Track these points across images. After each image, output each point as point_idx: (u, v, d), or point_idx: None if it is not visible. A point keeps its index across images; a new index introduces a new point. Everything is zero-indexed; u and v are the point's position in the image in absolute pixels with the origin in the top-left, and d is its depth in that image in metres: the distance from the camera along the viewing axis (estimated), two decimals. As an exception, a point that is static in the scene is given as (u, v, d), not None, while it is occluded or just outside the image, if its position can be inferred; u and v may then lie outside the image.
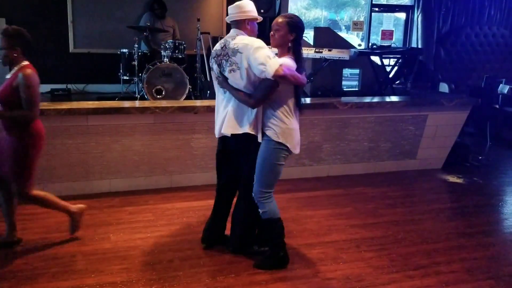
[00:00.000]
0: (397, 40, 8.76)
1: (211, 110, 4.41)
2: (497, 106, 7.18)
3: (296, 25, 2.95)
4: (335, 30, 8.72)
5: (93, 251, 3.28)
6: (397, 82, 7.61)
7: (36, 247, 3.32)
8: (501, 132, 7.24)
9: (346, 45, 7.05)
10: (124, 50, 6.71)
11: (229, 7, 3.11)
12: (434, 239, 3.69)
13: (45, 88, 7.10)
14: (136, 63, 6.52)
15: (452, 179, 5.27)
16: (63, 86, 7.17)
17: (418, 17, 8.51)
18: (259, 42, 2.90)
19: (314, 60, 6.88)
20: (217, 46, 3.10)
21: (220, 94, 3.14)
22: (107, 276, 2.97)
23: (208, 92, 6.47)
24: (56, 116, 4.06)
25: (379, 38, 8.60)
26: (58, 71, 7.25)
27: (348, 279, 3.03)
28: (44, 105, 4.17)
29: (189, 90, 6.38)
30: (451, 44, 8.41)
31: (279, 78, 2.79)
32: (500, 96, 7.15)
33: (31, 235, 3.48)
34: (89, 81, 7.43)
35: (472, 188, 5.00)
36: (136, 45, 6.58)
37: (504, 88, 7.11)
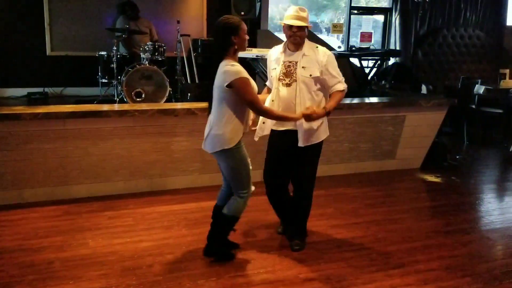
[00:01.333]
0: (376, 42, 8.86)
1: (191, 112, 4.41)
2: (474, 106, 7.31)
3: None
4: (316, 32, 8.79)
5: (71, 257, 3.23)
6: (376, 83, 7.68)
7: (12, 254, 3.24)
8: (477, 132, 7.38)
9: (326, 47, 7.09)
10: (103, 53, 6.63)
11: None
12: (414, 238, 3.73)
13: (22, 91, 7.00)
14: (114, 65, 6.45)
15: (431, 178, 5.34)
16: (40, 89, 7.06)
17: (396, 19, 8.63)
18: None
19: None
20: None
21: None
22: (86, 282, 2.92)
23: (189, 94, 6.44)
24: (33, 120, 3.99)
25: (358, 40, 8.69)
26: (35, 74, 7.13)
27: (329, 279, 3.04)
28: (20, 109, 4.11)
29: (169, 92, 6.33)
30: (429, 46, 8.56)
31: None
32: (476, 96, 7.29)
33: (7, 242, 3.41)
34: (67, 85, 7.33)
35: (450, 187, 5.08)
36: (115, 48, 6.51)
37: (480, 89, 7.25)
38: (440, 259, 3.38)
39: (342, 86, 3.20)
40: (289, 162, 3.34)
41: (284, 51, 3.26)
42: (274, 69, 3.26)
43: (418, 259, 3.36)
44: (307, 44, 3.22)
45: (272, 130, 3.35)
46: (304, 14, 3.14)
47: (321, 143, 3.34)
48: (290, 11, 3.17)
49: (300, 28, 3.11)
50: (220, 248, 3.26)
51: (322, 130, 3.30)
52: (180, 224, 3.82)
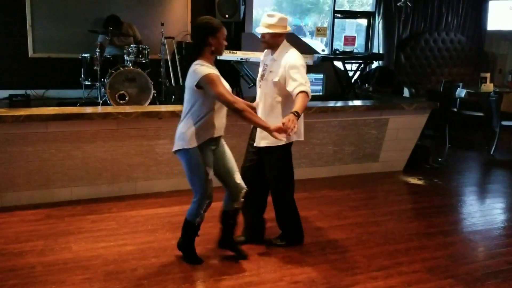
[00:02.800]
0: (359, 45, 8.93)
1: (175, 115, 4.39)
2: (455, 110, 7.42)
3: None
4: (300, 36, 8.82)
5: (53, 261, 3.18)
6: (359, 86, 7.76)
7: (-7, 259, 3.19)
8: (459, 135, 7.49)
9: (310, 50, 7.14)
10: (86, 55, 6.56)
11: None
12: (397, 240, 3.77)
13: (3, 94, 6.88)
14: (98, 67, 6.39)
15: (413, 180, 5.41)
16: (22, 91, 6.94)
17: (379, 23, 8.71)
18: None
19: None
20: None
21: None
22: (69, 287, 2.89)
23: (173, 97, 6.41)
24: (14, 123, 3.93)
25: (342, 44, 8.75)
26: (16, 76, 7.01)
27: (314, 282, 3.06)
28: (2, 112, 4.05)
29: (153, 95, 6.30)
30: (411, 50, 8.66)
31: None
32: (458, 100, 7.40)
33: (-13, 247, 3.36)
34: (49, 87, 7.22)
35: (432, 190, 5.15)
36: (98, 50, 6.45)
37: (461, 92, 7.36)
38: (423, 261, 3.42)
39: (303, 87, 3.09)
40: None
41: (267, 54, 3.39)
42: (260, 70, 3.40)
43: (401, 261, 3.40)
44: (281, 49, 3.26)
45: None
46: (271, 21, 3.20)
47: (283, 146, 3.29)
48: (263, 18, 3.30)
49: (267, 33, 3.22)
50: (187, 251, 3.26)
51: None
52: (164, 228, 3.80)
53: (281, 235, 3.56)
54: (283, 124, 2.88)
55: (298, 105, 3.04)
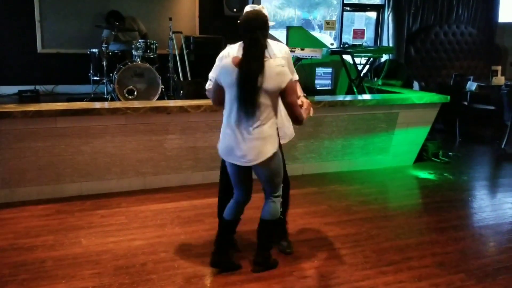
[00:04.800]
0: (368, 39, 8.87)
1: (184, 110, 4.39)
2: (466, 103, 7.34)
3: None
4: (308, 29, 8.79)
5: (63, 256, 3.20)
6: (369, 80, 7.70)
7: (4, 253, 3.21)
8: (470, 129, 7.41)
9: (318, 44, 7.09)
10: (94, 50, 6.58)
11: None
12: (407, 234, 3.74)
13: (13, 89, 6.93)
14: (105, 63, 6.40)
15: (423, 175, 5.36)
16: (31, 87, 6.99)
17: (388, 16, 8.63)
18: None
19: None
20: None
21: None
22: (79, 281, 2.90)
23: (181, 92, 6.41)
24: (24, 118, 3.95)
25: (351, 37, 8.69)
26: (26, 72, 7.06)
27: (323, 277, 3.04)
28: (11, 107, 4.07)
29: (161, 90, 6.30)
30: (421, 43, 8.58)
31: None
32: (468, 93, 7.32)
33: (-2, 242, 3.38)
34: (58, 82, 7.26)
35: (442, 184, 5.10)
36: (105, 45, 6.45)
37: (472, 86, 7.27)
38: (433, 255, 3.39)
39: None
40: None
41: None
42: None
43: (411, 256, 3.37)
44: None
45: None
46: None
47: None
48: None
49: None
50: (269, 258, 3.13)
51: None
52: (173, 222, 3.80)
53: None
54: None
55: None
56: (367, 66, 7.59)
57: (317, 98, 5.18)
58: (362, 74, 7.38)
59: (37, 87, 7.06)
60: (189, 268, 3.09)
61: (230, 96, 2.80)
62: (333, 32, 9.20)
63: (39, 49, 7.12)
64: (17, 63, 6.99)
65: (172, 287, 2.87)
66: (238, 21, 2.85)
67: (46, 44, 7.14)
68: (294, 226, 3.77)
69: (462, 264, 3.29)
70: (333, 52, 6.83)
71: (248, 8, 2.95)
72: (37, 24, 7.05)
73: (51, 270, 3.02)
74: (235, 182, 3.00)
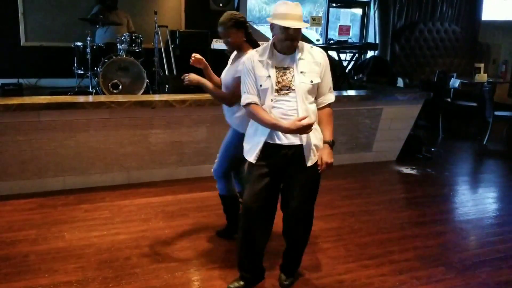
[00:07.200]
0: (354, 35, 8.92)
1: (169, 104, 4.37)
2: (449, 100, 7.45)
3: (238, 21, 2.96)
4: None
5: (47, 250, 3.18)
6: (354, 76, 7.76)
7: (-15, 248, 3.19)
8: (452, 125, 7.52)
9: (304, 39, 7.11)
10: (78, 43, 6.52)
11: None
12: (389, 228, 3.80)
13: (-5, 83, 6.83)
14: (89, 56, 6.34)
15: (406, 170, 5.43)
16: (14, 80, 6.88)
17: (374, 12, 8.69)
18: None
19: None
20: None
21: None
22: (62, 275, 2.89)
23: (167, 86, 6.39)
24: (6, 112, 3.90)
25: (337, 33, 8.74)
26: (8, 65, 6.96)
27: (306, 270, 3.08)
28: (-7, 101, 4.02)
29: (147, 84, 6.27)
30: (405, 40, 8.66)
31: None
32: (452, 90, 7.42)
33: (-20, 236, 3.35)
34: (42, 76, 7.19)
35: (424, 179, 5.18)
36: (89, 38, 6.39)
37: (455, 83, 7.38)
38: (415, 249, 3.45)
39: (333, 96, 2.71)
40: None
41: (272, 55, 2.61)
42: (268, 76, 2.56)
43: (393, 249, 3.43)
44: (300, 44, 2.62)
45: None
46: (300, 12, 2.52)
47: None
48: (284, 8, 2.47)
49: (298, 30, 2.50)
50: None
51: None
52: (158, 217, 3.81)
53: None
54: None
55: (330, 131, 2.70)
56: (352, 63, 7.66)
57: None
58: (347, 70, 7.44)
59: (20, 80, 6.96)
60: (173, 262, 3.10)
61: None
62: (319, 28, 9.22)
63: (22, 42, 7.03)
64: (0, 56, 6.89)
65: (156, 281, 2.88)
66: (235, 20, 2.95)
67: (30, 37, 7.06)
68: (277, 221, 3.79)
69: (443, 257, 3.36)
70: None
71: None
72: (20, 17, 6.96)
73: (34, 264, 3.01)
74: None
